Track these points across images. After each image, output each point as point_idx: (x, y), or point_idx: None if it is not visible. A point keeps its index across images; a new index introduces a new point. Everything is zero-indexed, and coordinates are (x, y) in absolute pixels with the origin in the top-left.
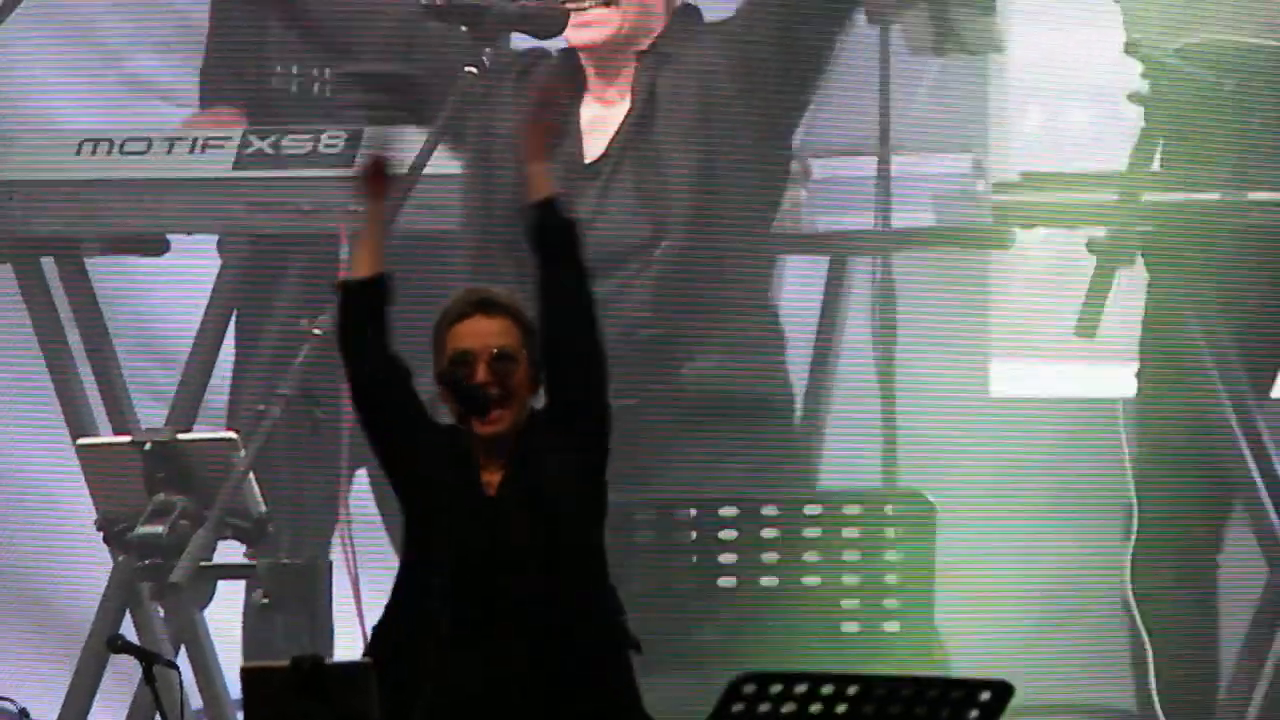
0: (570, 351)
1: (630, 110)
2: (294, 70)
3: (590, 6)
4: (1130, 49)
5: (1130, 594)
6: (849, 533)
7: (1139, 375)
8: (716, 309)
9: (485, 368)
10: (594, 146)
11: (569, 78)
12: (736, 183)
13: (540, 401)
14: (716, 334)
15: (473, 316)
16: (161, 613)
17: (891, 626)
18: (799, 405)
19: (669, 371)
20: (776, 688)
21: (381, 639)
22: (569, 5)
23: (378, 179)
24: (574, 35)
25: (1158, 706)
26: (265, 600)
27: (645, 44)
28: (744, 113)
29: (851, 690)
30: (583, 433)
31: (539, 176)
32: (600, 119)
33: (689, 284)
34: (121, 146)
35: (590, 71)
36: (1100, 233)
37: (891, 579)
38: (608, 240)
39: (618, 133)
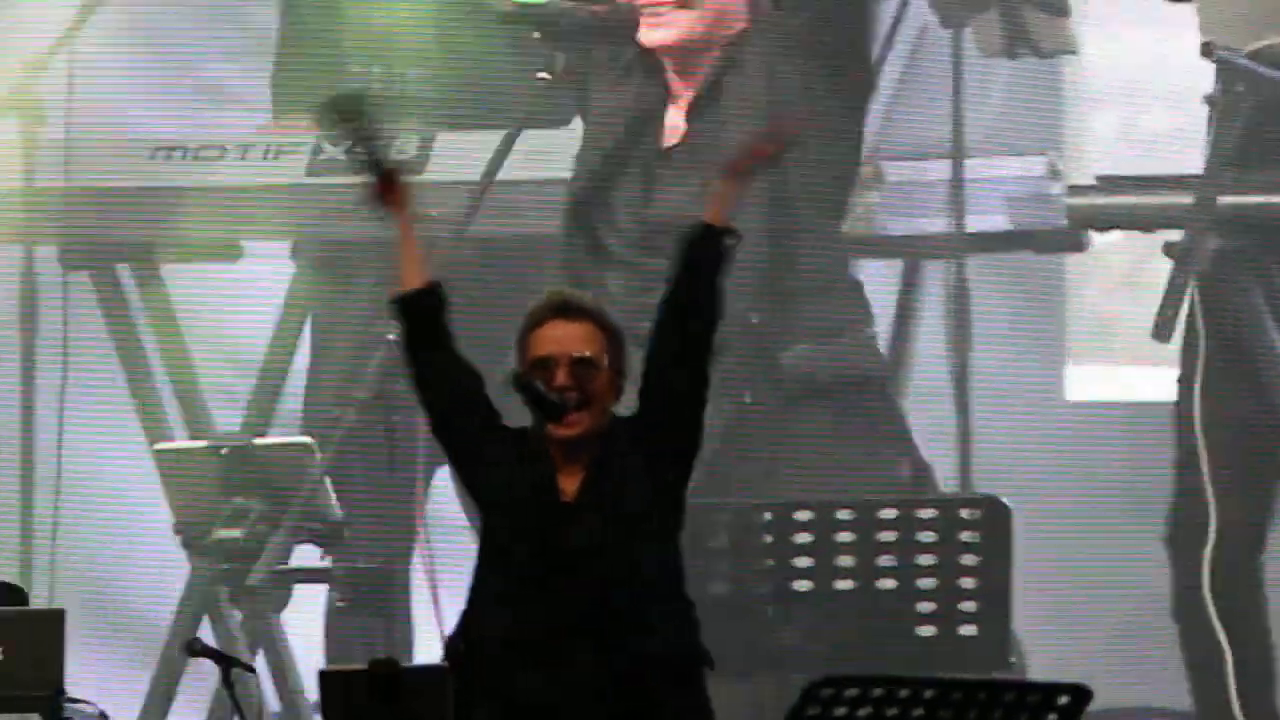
0: (681, 372)
1: (693, 101)
2: (374, 69)
3: (666, 9)
4: (1206, 51)
5: (1208, 597)
6: (924, 536)
7: (1207, 377)
8: (801, 293)
9: (565, 372)
10: (671, 135)
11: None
12: (809, 165)
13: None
14: (806, 318)
15: (554, 321)
16: (239, 616)
17: (968, 630)
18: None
19: (772, 359)
20: (852, 691)
21: (458, 643)
22: (643, 5)
23: (391, 190)
24: (646, 36)
25: (1236, 709)
26: (342, 604)
27: (722, 39)
28: (808, 94)
29: (928, 694)
30: (673, 451)
31: (726, 201)
32: (679, 110)
33: (768, 269)
34: (196, 153)
35: (670, 71)
36: (1176, 236)
37: (967, 583)
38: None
39: (688, 123)
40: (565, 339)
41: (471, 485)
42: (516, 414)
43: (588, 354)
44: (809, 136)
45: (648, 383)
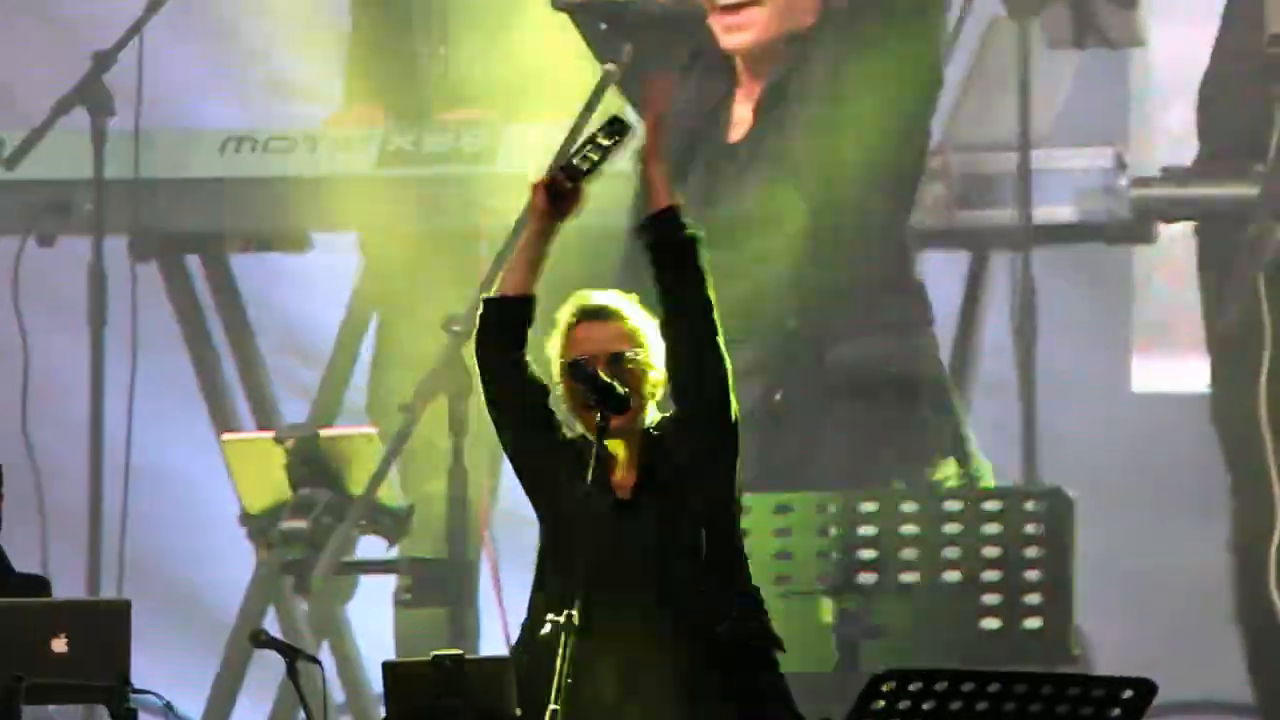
0: (696, 360)
1: (761, 97)
2: (441, 50)
3: (742, 6)
4: (1274, 42)
5: (1275, 593)
6: (989, 528)
7: (1273, 369)
8: (859, 292)
9: (604, 370)
10: (737, 130)
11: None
12: (868, 168)
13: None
14: (868, 314)
15: (584, 324)
16: (305, 607)
17: (1032, 622)
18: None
19: (817, 358)
20: (917, 685)
21: (523, 639)
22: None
23: (561, 198)
24: (726, 40)
25: None
26: (407, 595)
27: (791, 40)
28: (875, 90)
29: (992, 688)
30: (713, 435)
31: (660, 183)
32: (746, 106)
33: (826, 270)
34: (265, 144)
35: (742, 71)
36: (1243, 227)
37: (1032, 575)
38: (741, 215)
39: (755, 117)
40: (598, 340)
41: (532, 490)
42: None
43: (622, 351)
44: (872, 133)
45: (672, 376)
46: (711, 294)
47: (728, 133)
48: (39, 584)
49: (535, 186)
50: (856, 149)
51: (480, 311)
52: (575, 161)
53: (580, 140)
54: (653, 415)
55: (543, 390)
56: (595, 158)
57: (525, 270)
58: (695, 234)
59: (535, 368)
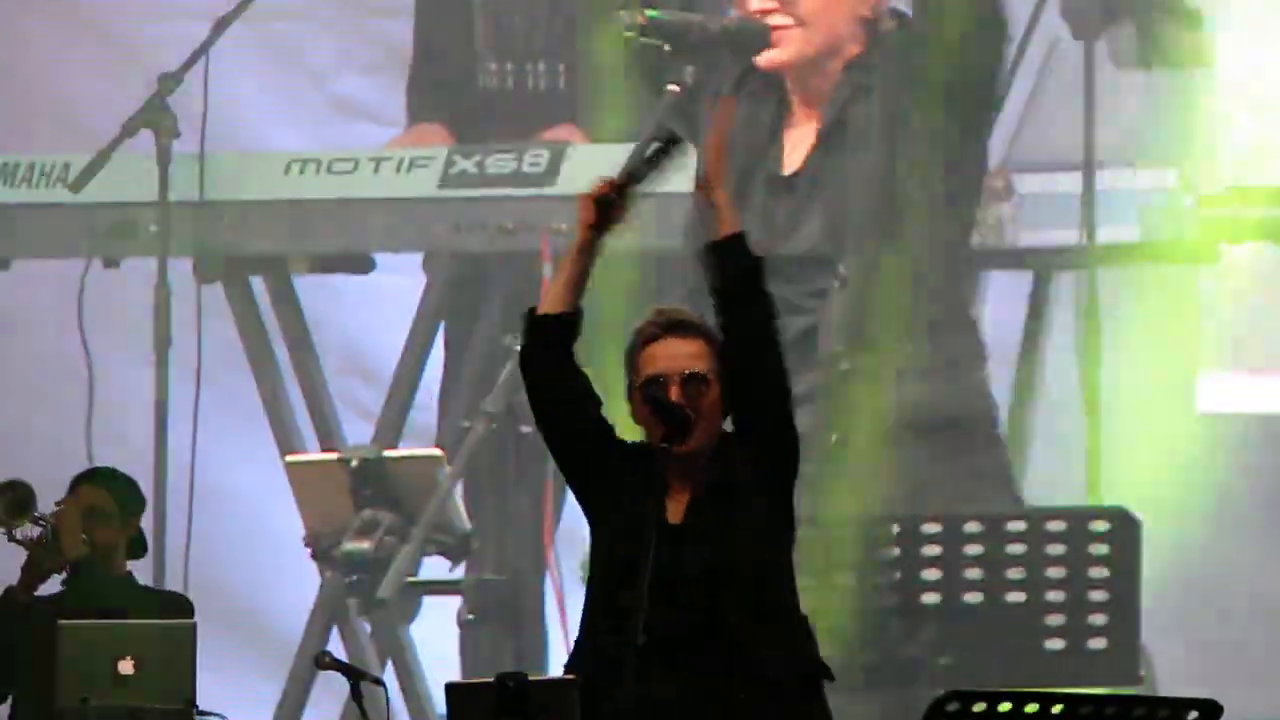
0: (759, 386)
1: (820, 129)
2: (508, 66)
3: (784, 25)
4: None
5: None
6: (1053, 549)
7: None
8: (915, 329)
9: (678, 389)
10: (792, 161)
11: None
12: (926, 202)
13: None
14: (917, 356)
15: (664, 339)
16: (369, 628)
17: (1097, 643)
18: (1003, 420)
19: (871, 398)
20: (980, 706)
21: (578, 658)
22: (771, 20)
23: (610, 208)
24: (762, 57)
25: None
26: (471, 616)
27: (840, 63)
28: (933, 133)
29: (1056, 709)
30: (773, 461)
31: (725, 208)
32: (800, 136)
33: (881, 306)
34: (329, 166)
35: (793, 94)
36: None
37: (1097, 596)
38: (798, 251)
39: (812, 150)
40: (677, 356)
41: (584, 502)
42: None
43: (700, 370)
44: (928, 167)
45: (737, 395)
46: (776, 321)
47: (782, 162)
48: (184, 605)
49: (583, 199)
50: (913, 184)
51: (525, 327)
52: (622, 176)
53: (632, 154)
54: (719, 434)
55: (594, 402)
56: (644, 170)
57: (570, 286)
58: (761, 259)
59: (586, 379)
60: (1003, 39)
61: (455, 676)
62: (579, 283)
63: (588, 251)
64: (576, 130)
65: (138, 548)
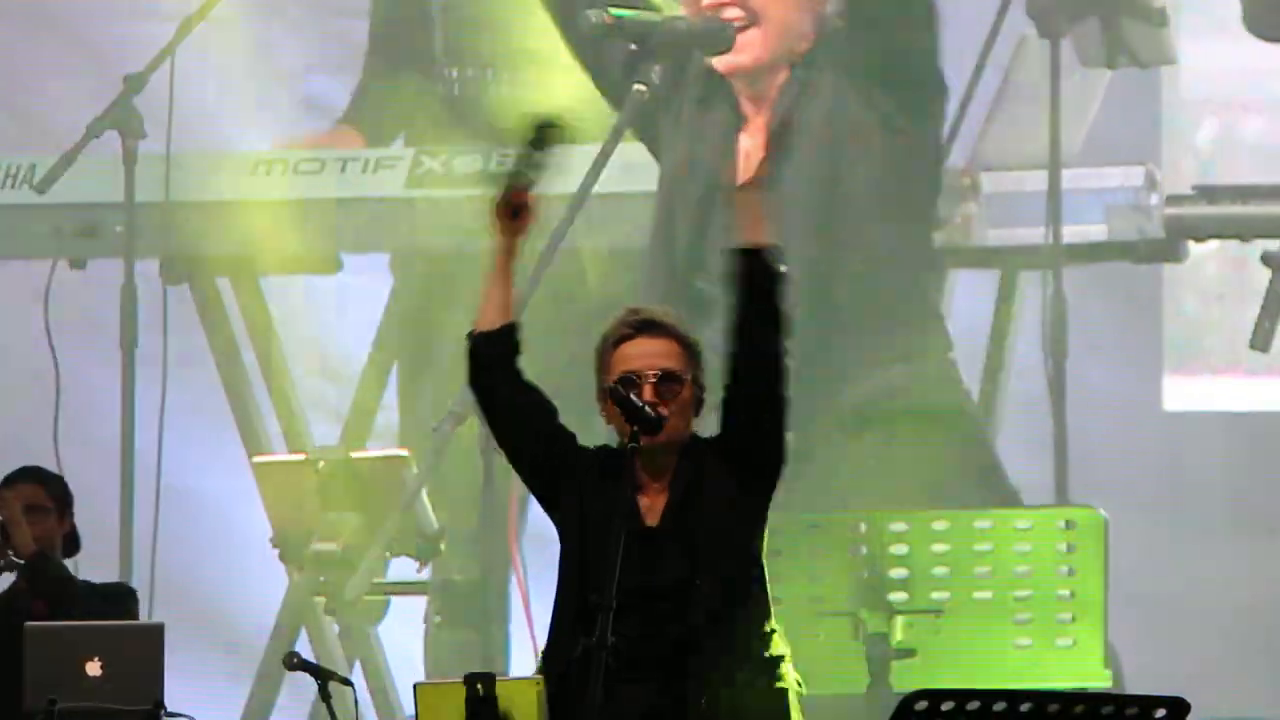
0: (759, 400)
1: (769, 132)
2: (459, 73)
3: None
4: None
5: None
6: (1020, 547)
7: None
8: (870, 323)
9: (652, 388)
10: (746, 169)
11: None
12: (875, 193)
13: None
14: (875, 349)
15: (636, 338)
16: (337, 629)
17: (1064, 641)
18: (975, 412)
19: (830, 393)
20: (949, 705)
21: (549, 662)
22: (725, 15)
23: (522, 214)
24: (720, 62)
25: None
26: (438, 617)
27: (788, 66)
28: (876, 126)
29: (1024, 707)
30: (757, 477)
31: (759, 218)
32: (753, 143)
33: (829, 305)
34: (296, 166)
35: (743, 98)
36: (1276, 245)
37: (1064, 593)
38: None
39: (764, 156)
40: (649, 355)
41: (550, 509)
42: (594, 430)
43: (673, 369)
44: (878, 158)
45: (729, 409)
46: (788, 334)
47: (736, 169)
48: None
49: (499, 210)
50: (862, 178)
51: (468, 351)
52: (523, 174)
53: (515, 154)
54: (690, 433)
55: (549, 413)
56: (530, 165)
57: (503, 299)
58: (783, 275)
59: (538, 390)
60: (932, 19)
61: (422, 677)
62: (509, 294)
63: (510, 259)
64: (357, 134)
65: (72, 544)
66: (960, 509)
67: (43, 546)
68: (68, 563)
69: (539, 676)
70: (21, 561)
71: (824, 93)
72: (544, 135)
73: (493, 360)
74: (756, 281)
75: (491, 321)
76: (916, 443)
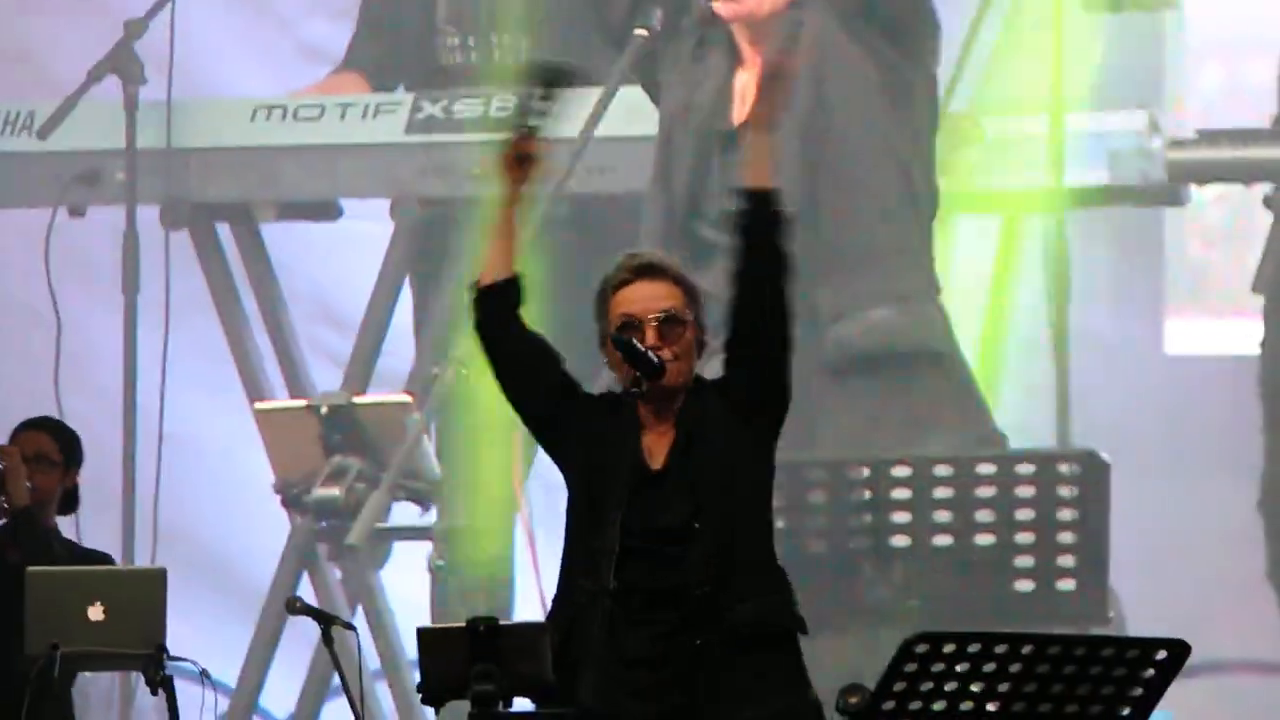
0: (763, 342)
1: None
2: (460, 41)
3: None
4: None
5: None
6: (1022, 491)
7: None
8: (857, 265)
9: (654, 331)
10: (741, 112)
11: (732, 53)
12: (865, 135)
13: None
14: (860, 292)
15: (636, 282)
16: (339, 574)
17: (1065, 585)
18: (964, 353)
19: (816, 333)
20: (950, 647)
21: (557, 607)
22: None
23: (527, 162)
24: (724, 8)
25: None
26: (441, 562)
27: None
28: (865, 61)
29: (1025, 650)
30: (763, 419)
31: (762, 161)
32: (749, 83)
33: (816, 244)
34: (296, 112)
35: (743, 41)
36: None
37: (1065, 537)
38: None
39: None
40: (650, 298)
41: (556, 458)
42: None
43: (674, 311)
44: (868, 98)
45: (734, 352)
46: (792, 282)
47: (730, 115)
48: (103, 561)
49: (505, 160)
50: (854, 117)
51: (473, 301)
52: (529, 122)
53: (522, 100)
54: (693, 374)
55: (555, 362)
56: (541, 110)
57: (507, 249)
58: (783, 214)
59: (543, 340)
60: None
61: (425, 621)
62: (514, 245)
63: (515, 209)
64: (360, 79)
65: (71, 502)
66: (961, 454)
67: (40, 498)
68: (64, 521)
69: (545, 622)
70: (8, 509)
71: (812, 28)
72: (549, 81)
73: (496, 313)
74: (759, 224)
75: (495, 274)
76: (900, 384)
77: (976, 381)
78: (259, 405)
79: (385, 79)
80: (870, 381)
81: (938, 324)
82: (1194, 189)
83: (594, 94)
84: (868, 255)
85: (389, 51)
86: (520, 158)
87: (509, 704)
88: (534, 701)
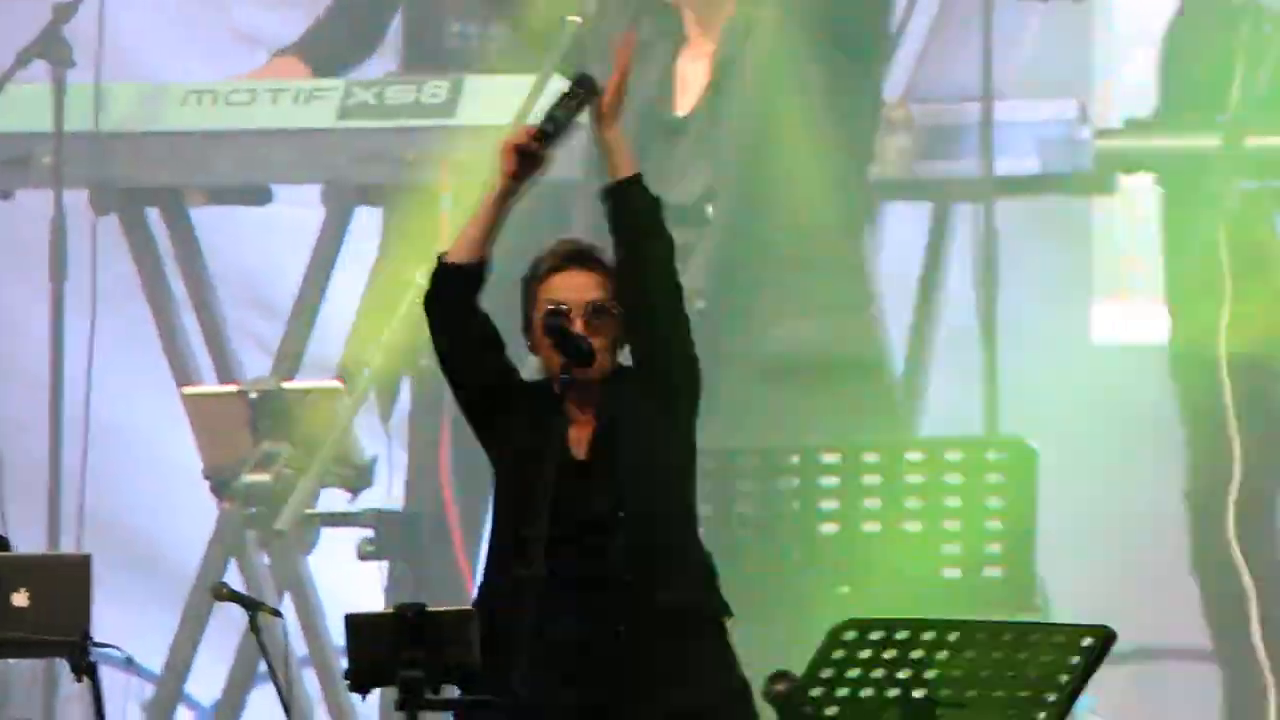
0: (661, 324)
1: (713, 66)
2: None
3: None
4: None
5: (1233, 538)
6: (951, 479)
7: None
8: (793, 270)
9: (583, 321)
10: (686, 101)
11: (678, 38)
12: (811, 146)
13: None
14: (795, 296)
15: (566, 270)
16: (267, 560)
17: (993, 572)
18: (896, 357)
19: (740, 339)
20: (878, 634)
21: (484, 593)
22: None
23: (527, 159)
24: None
25: (1260, 648)
26: (370, 548)
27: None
28: (818, 71)
29: (953, 637)
30: (679, 401)
31: (620, 151)
32: (694, 73)
33: (756, 250)
34: (226, 97)
35: (690, 23)
36: (1204, 178)
37: (993, 525)
38: (690, 200)
39: (705, 90)
40: (579, 287)
41: (487, 442)
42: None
43: (602, 301)
44: (814, 111)
45: (634, 338)
46: (673, 256)
47: (675, 100)
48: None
49: (505, 149)
50: (799, 118)
51: (434, 273)
52: (544, 124)
53: (551, 100)
54: (617, 364)
55: (498, 347)
56: (562, 118)
57: (484, 235)
58: (657, 200)
59: (490, 323)
60: None
61: (354, 608)
62: (493, 232)
63: (506, 200)
64: (299, 63)
65: None
66: (891, 441)
67: None
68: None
69: (472, 608)
70: None
71: (767, 28)
72: (584, 93)
73: (455, 291)
74: (627, 210)
75: (465, 254)
76: (826, 393)
77: (901, 396)
78: (187, 390)
79: (331, 68)
80: (798, 389)
81: (868, 335)
82: (1121, 178)
83: (527, 80)
84: (804, 265)
85: (341, 37)
86: (522, 150)
87: (437, 690)
88: (461, 688)
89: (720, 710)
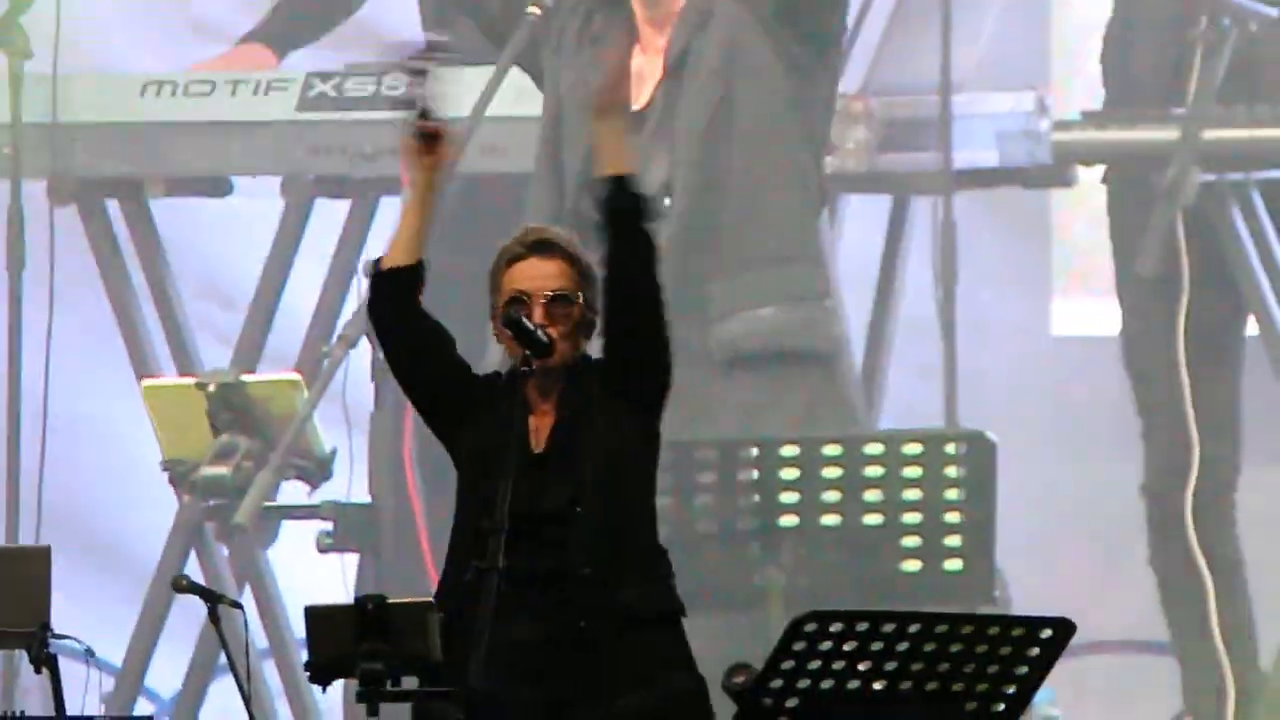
0: (639, 326)
1: (667, 59)
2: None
3: None
4: None
5: (1191, 531)
6: (910, 471)
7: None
8: (750, 263)
9: (542, 310)
10: (641, 95)
11: (630, 32)
12: (767, 136)
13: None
14: (751, 290)
15: (529, 258)
16: (226, 553)
17: (953, 565)
18: (854, 349)
19: (697, 330)
20: (838, 626)
21: (444, 586)
22: None
23: (430, 141)
24: None
25: (1218, 640)
26: (330, 540)
27: None
28: (774, 62)
29: (912, 629)
30: (644, 401)
31: (614, 148)
32: (649, 66)
33: (712, 240)
34: (186, 88)
35: (641, 18)
36: (1163, 170)
37: (952, 517)
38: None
39: (659, 83)
40: (541, 276)
41: (446, 440)
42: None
43: (563, 290)
44: (776, 94)
45: (610, 334)
46: (656, 252)
47: (629, 93)
48: None
49: (406, 143)
50: (755, 112)
51: (372, 282)
52: (419, 100)
53: (406, 83)
54: (580, 354)
55: (448, 346)
56: (420, 86)
57: (417, 236)
58: (643, 197)
59: (436, 323)
60: None
61: (313, 600)
62: (424, 231)
63: (429, 195)
64: (269, 51)
65: None
66: (851, 435)
67: None
68: None
69: (433, 600)
70: None
71: (723, 22)
72: (422, 65)
73: (394, 298)
74: (613, 206)
75: (399, 258)
76: (782, 383)
77: (859, 388)
78: (146, 382)
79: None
80: (754, 379)
81: (825, 326)
82: (1080, 170)
83: (486, 73)
84: (762, 255)
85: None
86: (424, 138)
87: (397, 682)
88: (421, 680)
89: (676, 708)
